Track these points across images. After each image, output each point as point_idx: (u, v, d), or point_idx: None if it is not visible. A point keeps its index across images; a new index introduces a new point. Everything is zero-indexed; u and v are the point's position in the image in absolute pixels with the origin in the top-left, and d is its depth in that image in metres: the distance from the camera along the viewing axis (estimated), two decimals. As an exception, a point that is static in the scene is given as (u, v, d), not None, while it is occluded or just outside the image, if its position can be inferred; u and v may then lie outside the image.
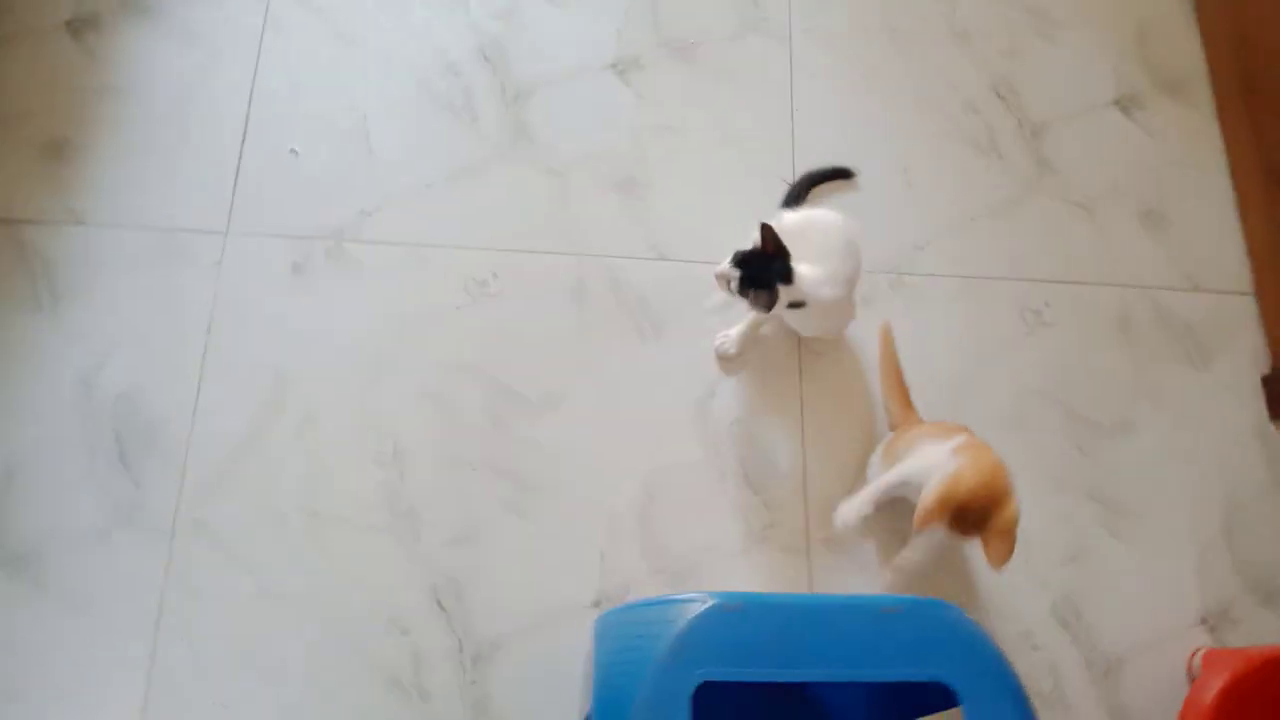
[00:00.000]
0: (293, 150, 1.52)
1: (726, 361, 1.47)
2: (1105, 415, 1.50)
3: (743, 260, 1.30)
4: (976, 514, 1.14)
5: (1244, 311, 1.59)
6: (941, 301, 1.55)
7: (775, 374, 1.48)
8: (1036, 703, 1.27)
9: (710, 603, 0.89)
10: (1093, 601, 1.39)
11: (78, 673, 1.24)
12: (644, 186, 1.57)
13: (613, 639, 0.90)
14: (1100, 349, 1.54)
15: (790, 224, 1.37)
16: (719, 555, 1.37)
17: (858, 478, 1.41)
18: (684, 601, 0.90)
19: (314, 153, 1.52)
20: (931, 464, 1.19)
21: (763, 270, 1.30)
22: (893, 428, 1.40)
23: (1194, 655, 1.36)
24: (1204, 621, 1.40)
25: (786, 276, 1.29)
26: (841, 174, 1.60)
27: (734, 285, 1.31)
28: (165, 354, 1.40)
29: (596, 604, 1.33)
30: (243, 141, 1.52)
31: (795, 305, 1.33)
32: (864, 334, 1.50)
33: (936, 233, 1.59)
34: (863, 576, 1.37)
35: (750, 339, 1.46)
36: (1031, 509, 1.37)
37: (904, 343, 1.47)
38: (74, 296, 1.41)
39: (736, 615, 0.88)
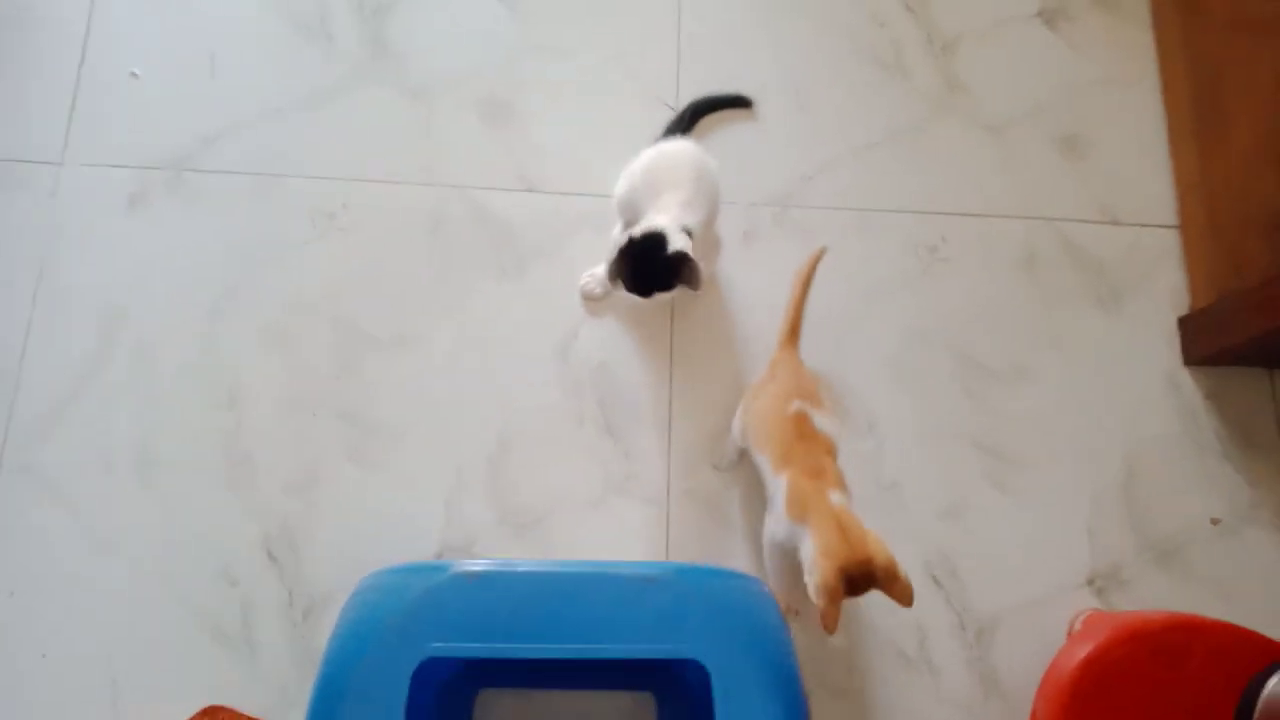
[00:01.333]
0: (133, 74, 1.43)
1: (592, 302, 1.38)
2: (1000, 360, 1.40)
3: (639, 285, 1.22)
4: (860, 580, 1.03)
5: (1164, 247, 1.46)
6: (829, 236, 1.42)
7: (644, 315, 1.39)
8: (900, 665, 1.25)
9: (448, 572, 0.82)
10: (969, 559, 1.31)
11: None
12: (514, 112, 1.47)
13: (352, 608, 0.84)
14: (1000, 289, 1.43)
15: (638, 166, 1.29)
16: (573, 505, 1.30)
17: (723, 424, 1.33)
18: (422, 570, 0.84)
19: (155, 76, 1.44)
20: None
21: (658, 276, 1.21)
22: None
23: (1076, 618, 1.28)
24: (1091, 582, 1.31)
25: (689, 275, 1.20)
26: (737, 103, 1.49)
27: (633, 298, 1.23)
28: (2, 289, 1.33)
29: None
30: (80, 64, 1.43)
31: None
32: (740, 274, 1.40)
33: (829, 162, 1.48)
34: (724, 529, 1.30)
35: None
36: (909, 458, 1.31)
37: (785, 281, 1.38)
38: (-100, 230, 1.35)
39: (475, 585, 0.82)
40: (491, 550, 1.27)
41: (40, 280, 1.34)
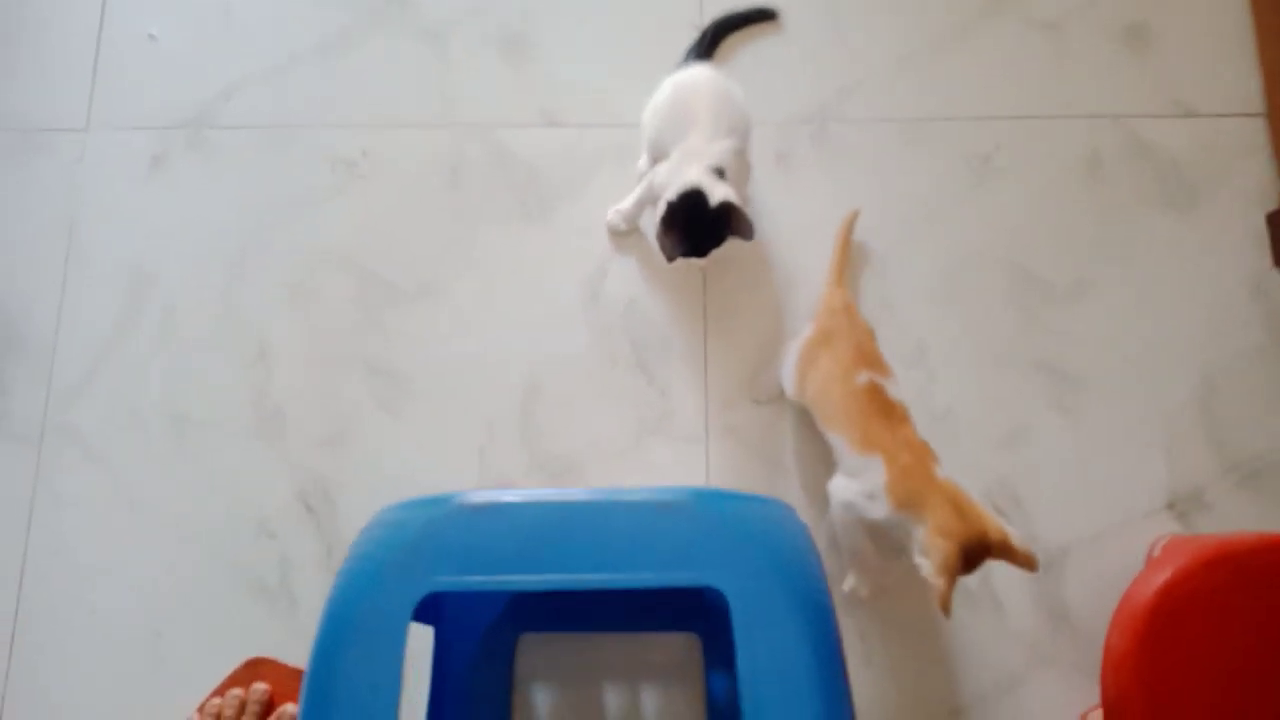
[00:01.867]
0: (150, 35, 1.42)
1: (619, 237, 1.32)
2: (1062, 275, 1.29)
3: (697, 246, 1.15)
4: (977, 557, 0.97)
5: (1246, 137, 1.33)
6: (870, 152, 1.35)
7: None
8: (961, 600, 1.17)
9: (452, 504, 0.79)
10: (1035, 486, 1.22)
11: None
12: (532, 44, 1.41)
13: (357, 545, 0.81)
14: (1061, 197, 1.32)
15: (659, 103, 1.22)
16: (608, 449, 1.26)
17: (762, 357, 1.26)
18: (426, 504, 0.80)
19: (172, 35, 1.43)
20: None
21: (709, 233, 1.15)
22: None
23: (1155, 544, 1.18)
24: (1171, 506, 1.21)
25: (739, 225, 1.14)
26: (761, 16, 1.40)
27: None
28: (28, 258, 1.35)
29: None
30: (99, 30, 1.43)
31: None
32: (775, 198, 1.33)
33: (867, 72, 1.38)
34: (768, 465, 1.24)
35: (642, 212, 1.30)
36: (964, 385, 1.24)
37: (826, 205, 1.31)
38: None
39: (480, 516, 0.78)
40: (526, 496, 1.23)
41: (70, 246, 1.35)
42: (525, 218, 1.34)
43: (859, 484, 1.05)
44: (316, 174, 1.36)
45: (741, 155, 1.19)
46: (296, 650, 1.17)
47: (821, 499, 1.15)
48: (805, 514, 1.18)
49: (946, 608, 0.92)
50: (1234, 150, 1.32)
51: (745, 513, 0.79)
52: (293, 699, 1.16)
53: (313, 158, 1.37)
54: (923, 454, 1.05)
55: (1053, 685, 1.16)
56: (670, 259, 1.15)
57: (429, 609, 1.11)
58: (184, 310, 1.33)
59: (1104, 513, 1.21)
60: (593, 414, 1.27)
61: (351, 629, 0.75)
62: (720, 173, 1.13)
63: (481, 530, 0.78)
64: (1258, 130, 1.32)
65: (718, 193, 1.12)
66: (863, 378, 1.08)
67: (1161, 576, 1.07)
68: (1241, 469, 1.21)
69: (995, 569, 1.15)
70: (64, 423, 1.29)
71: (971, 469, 1.21)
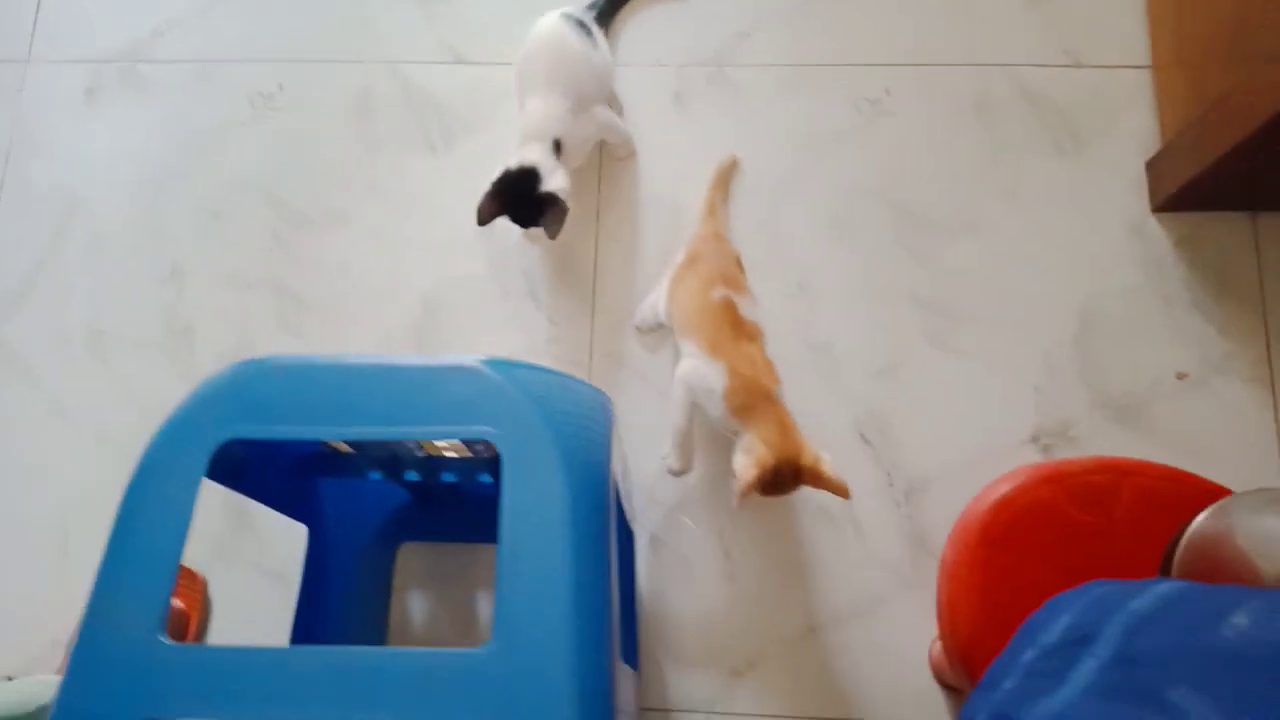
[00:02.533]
0: (90, -27, 1.51)
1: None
2: (946, 214, 1.33)
3: (520, 218, 1.21)
4: (789, 478, 1.05)
5: (1132, 87, 1.35)
6: (765, 95, 1.39)
7: (573, 182, 1.37)
8: (822, 521, 1.21)
9: (257, 363, 0.85)
10: (903, 418, 1.26)
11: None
12: (446, -14, 1.48)
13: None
14: (948, 140, 1.35)
15: (515, 74, 1.29)
16: (496, 370, 1.31)
17: (648, 288, 1.31)
18: (237, 365, 0.86)
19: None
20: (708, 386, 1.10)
21: (529, 202, 1.20)
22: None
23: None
24: (1035, 440, 1.24)
25: (552, 203, 1.19)
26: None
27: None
28: None
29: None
30: (44, -33, 1.52)
31: (559, 154, 1.22)
32: (670, 138, 1.38)
33: (765, 17, 1.43)
34: (645, 390, 1.29)
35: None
36: (844, 318, 1.27)
37: (722, 143, 1.36)
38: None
39: (283, 375, 0.84)
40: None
41: (5, 171, 1.43)
42: (430, 150, 1.40)
43: (703, 380, 1.10)
44: (237, 107, 1.44)
45: (580, 112, 1.23)
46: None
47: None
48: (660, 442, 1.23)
49: (739, 505, 1.01)
50: (1119, 100, 1.34)
51: (533, 379, 0.84)
52: (180, 595, 1.23)
53: (234, 91, 1.44)
54: (765, 371, 1.09)
55: (908, 609, 1.19)
56: (480, 223, 1.19)
57: (305, 508, 1.18)
58: (109, 234, 1.41)
59: (970, 445, 1.24)
60: (484, 336, 1.33)
61: (155, 475, 0.81)
62: (558, 145, 1.19)
63: (284, 388, 0.83)
64: (1142, 81, 1.35)
65: (552, 182, 1.18)
66: (718, 293, 1.12)
67: (998, 491, 1.10)
68: (1109, 406, 1.24)
69: (859, 496, 1.20)
70: (-7, 335, 1.37)
71: (845, 399, 1.26)
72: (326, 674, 0.72)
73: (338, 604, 1.21)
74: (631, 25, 1.43)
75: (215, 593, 1.25)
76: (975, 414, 1.25)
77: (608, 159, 1.38)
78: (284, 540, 1.19)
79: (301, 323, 1.35)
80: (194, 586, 1.23)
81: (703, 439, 1.22)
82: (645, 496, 1.24)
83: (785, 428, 1.05)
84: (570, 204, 1.19)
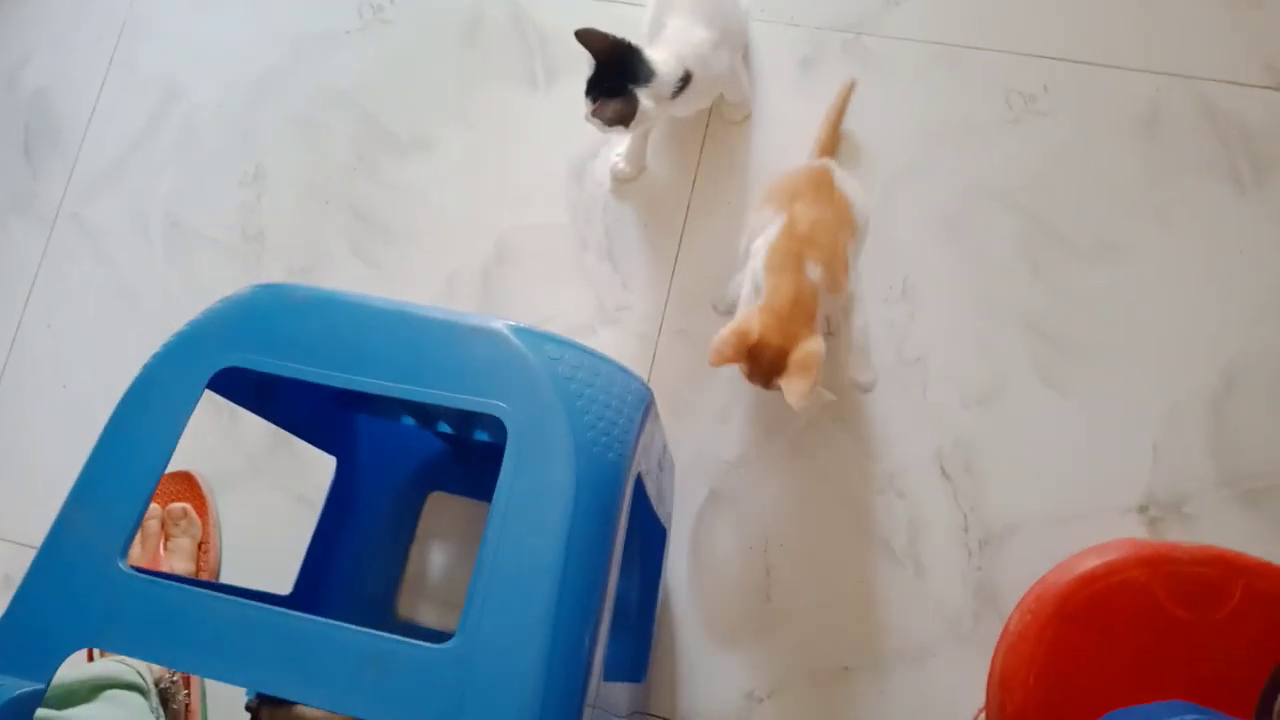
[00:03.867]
0: None
1: (623, 183, 1.28)
2: (1086, 233, 1.17)
3: (593, 83, 1.08)
4: (768, 363, 0.94)
5: (1339, 120, 1.15)
6: (906, 72, 1.25)
7: (674, 140, 1.28)
8: (881, 554, 1.10)
9: (274, 291, 0.79)
10: (993, 455, 1.12)
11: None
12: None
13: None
14: (1105, 151, 1.19)
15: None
16: (560, 327, 1.24)
17: (734, 266, 1.20)
18: (257, 288, 0.81)
19: None
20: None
21: (616, 79, 1.07)
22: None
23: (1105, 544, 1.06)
24: (1143, 509, 1.08)
25: (643, 74, 1.07)
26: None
27: (587, 113, 1.10)
28: (80, 58, 1.45)
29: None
30: None
31: (680, 91, 1.10)
32: (789, 104, 1.26)
33: (914, -15, 1.28)
34: (709, 375, 1.19)
35: (643, 152, 1.26)
36: (944, 332, 1.15)
37: (847, 117, 1.23)
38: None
39: (285, 303, 0.78)
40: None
41: (116, 50, 1.44)
42: (531, 86, 1.33)
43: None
44: (346, 15, 1.39)
45: (720, 50, 1.13)
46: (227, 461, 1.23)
47: (744, 422, 1.10)
48: (720, 434, 1.14)
49: (713, 359, 0.94)
50: (1322, 131, 1.15)
51: (563, 357, 0.75)
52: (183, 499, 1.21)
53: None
54: (819, 251, 0.98)
55: (959, 669, 1.07)
56: (579, 37, 1.07)
57: (336, 440, 1.13)
58: (201, 127, 1.39)
59: (1066, 501, 1.10)
60: (553, 290, 1.25)
61: (152, 388, 0.77)
62: (685, 79, 1.08)
63: (297, 320, 0.78)
64: (1357, 113, 1.15)
65: (644, 83, 1.06)
66: (813, 271, 0.99)
67: (1085, 564, 0.96)
68: (1238, 485, 1.07)
69: (927, 535, 1.08)
70: (77, 212, 1.38)
71: (930, 423, 1.14)
72: (278, 637, 0.66)
73: (356, 541, 1.18)
74: (767, -22, 1.31)
75: (241, 509, 1.22)
76: (1078, 466, 1.10)
77: (717, 120, 1.27)
78: (320, 468, 1.14)
79: (371, 247, 1.30)
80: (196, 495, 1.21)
81: (750, 434, 1.12)
82: (692, 486, 1.14)
83: (799, 303, 0.94)
84: (644, 114, 1.07)
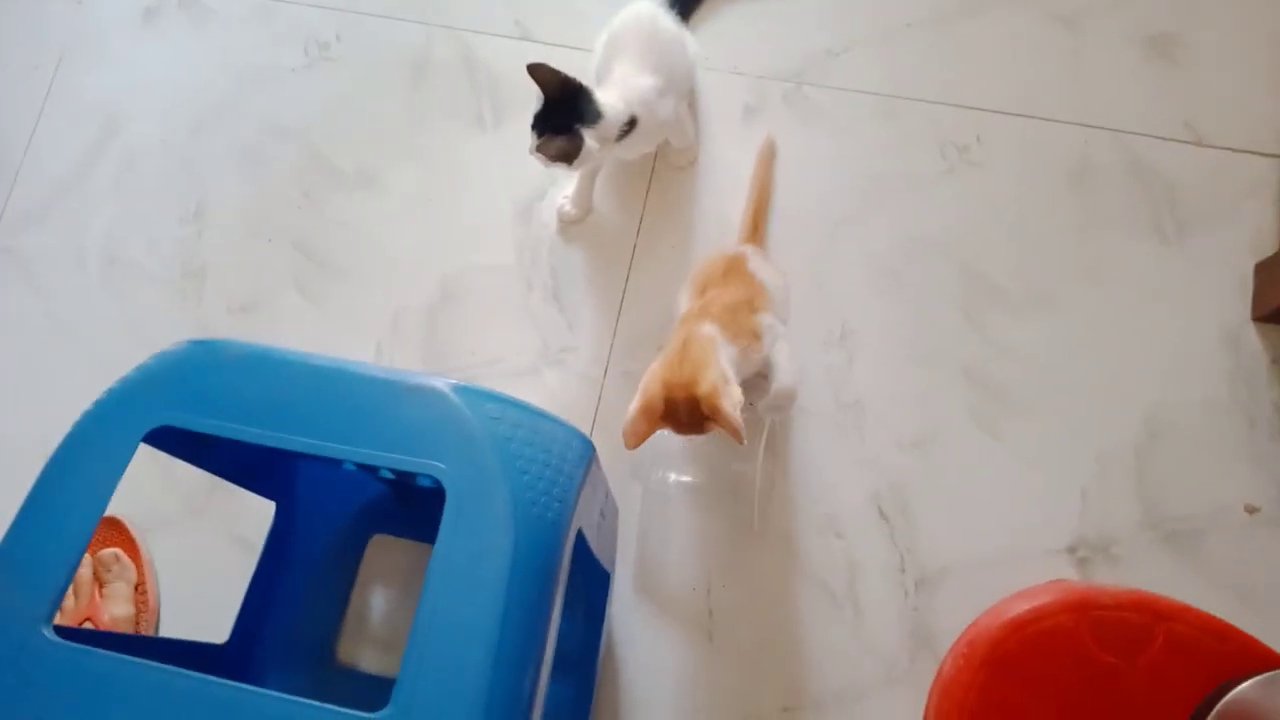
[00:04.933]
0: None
1: (569, 224, 1.29)
2: (1018, 283, 1.21)
3: (539, 118, 1.10)
4: (685, 408, 0.94)
5: (1255, 177, 1.21)
6: (844, 122, 1.29)
7: (620, 184, 1.29)
8: (820, 596, 1.12)
9: (211, 348, 0.78)
10: (928, 498, 1.15)
11: None
12: (521, -43, 1.40)
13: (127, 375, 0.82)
14: (1036, 203, 1.23)
15: (602, 43, 1.20)
16: (505, 368, 1.25)
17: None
18: (192, 344, 0.80)
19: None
20: None
21: (562, 117, 1.09)
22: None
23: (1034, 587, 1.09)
24: (1073, 550, 1.12)
25: (590, 114, 1.09)
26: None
27: (531, 147, 1.11)
28: (14, 83, 1.43)
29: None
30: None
31: (625, 135, 1.13)
32: (731, 151, 1.28)
33: (861, 38, 1.32)
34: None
35: (589, 194, 1.28)
36: (881, 378, 1.18)
37: (785, 165, 1.26)
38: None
39: (235, 364, 0.77)
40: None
41: (54, 80, 1.42)
42: (479, 126, 1.34)
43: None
44: (291, 51, 1.39)
45: (666, 96, 1.16)
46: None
47: (688, 463, 1.11)
48: (664, 476, 1.15)
49: (628, 442, 0.94)
50: (1238, 189, 1.21)
51: (504, 416, 0.76)
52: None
53: (291, 34, 1.41)
54: (709, 313, 1.00)
55: (895, 709, 1.10)
56: (531, 70, 1.09)
57: (274, 485, 1.12)
58: (142, 161, 1.38)
59: (998, 543, 1.13)
60: (499, 331, 1.26)
61: (82, 446, 0.76)
62: (631, 124, 1.11)
63: (234, 377, 0.77)
64: (1269, 171, 1.20)
65: (590, 124, 1.08)
66: (706, 328, 1.00)
67: (1015, 608, 0.99)
68: (1162, 527, 1.11)
69: (865, 576, 1.10)
70: (12, 245, 1.35)
71: (868, 466, 1.16)
72: (210, 709, 0.65)
73: (296, 585, 1.16)
74: (711, 24, 1.34)
75: (178, 552, 1.20)
76: (1010, 509, 1.14)
77: (663, 164, 1.29)
78: (259, 509, 1.13)
79: (315, 284, 1.30)
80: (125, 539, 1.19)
81: (694, 475, 1.13)
82: (636, 528, 1.15)
83: (688, 350, 0.95)
84: (589, 154, 1.09)
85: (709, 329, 0.97)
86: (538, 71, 1.06)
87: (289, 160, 1.35)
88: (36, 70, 1.42)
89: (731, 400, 0.90)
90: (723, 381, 0.91)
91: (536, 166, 1.25)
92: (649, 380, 0.95)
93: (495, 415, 0.75)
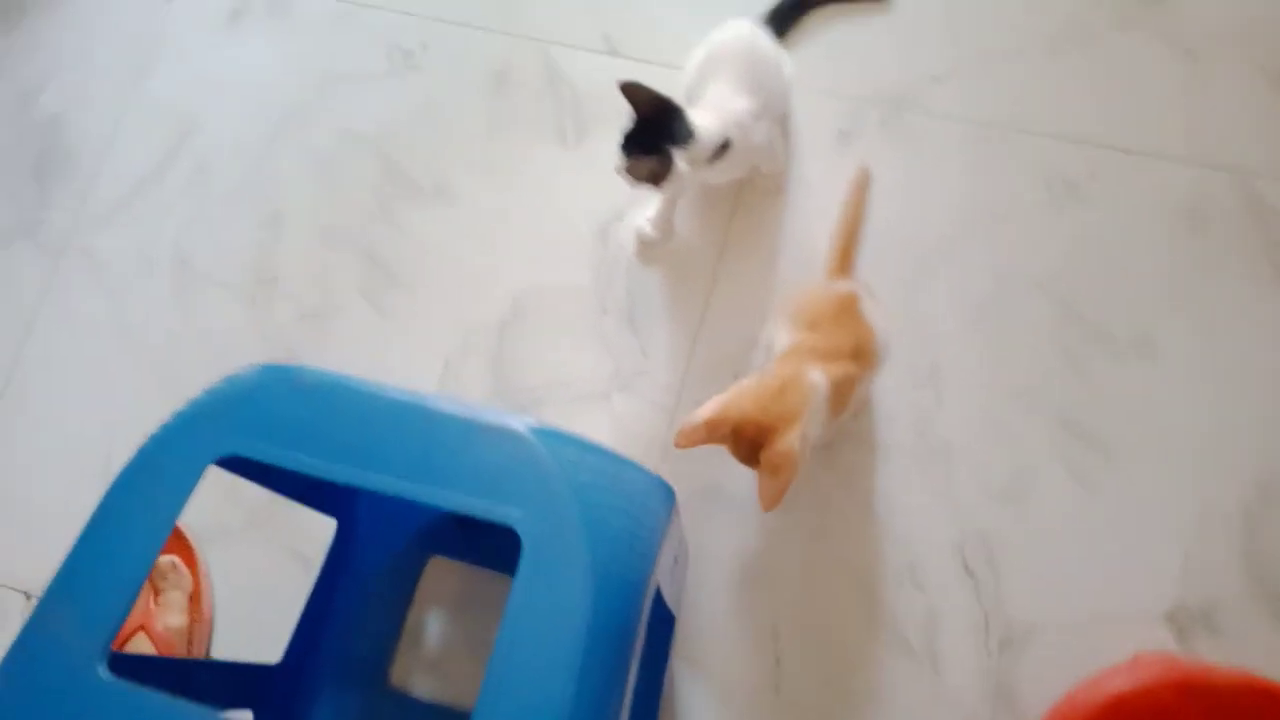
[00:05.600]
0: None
1: (647, 248, 1.26)
2: (1123, 326, 1.15)
3: (629, 138, 1.06)
4: (749, 442, 0.89)
5: (1390, 224, 1.13)
6: (944, 149, 1.25)
7: (702, 207, 1.26)
8: (897, 649, 1.07)
9: (284, 374, 0.76)
10: (1018, 552, 1.10)
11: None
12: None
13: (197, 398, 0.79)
14: (1148, 243, 1.18)
15: (699, 52, 1.17)
16: (574, 392, 1.22)
17: (757, 336, 1.18)
18: (265, 369, 0.77)
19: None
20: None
21: (653, 137, 1.05)
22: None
23: (1136, 659, 1.03)
24: (1171, 618, 1.05)
25: (682, 135, 1.05)
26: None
27: (619, 167, 1.09)
28: (101, 84, 1.44)
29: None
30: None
31: (717, 158, 1.09)
32: (824, 177, 1.24)
33: (967, 63, 1.28)
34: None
35: (670, 219, 1.24)
36: (971, 420, 1.13)
37: (878, 192, 1.20)
38: (39, 12, 1.47)
39: (294, 388, 0.75)
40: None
41: (137, 79, 1.43)
42: (559, 141, 1.31)
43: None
44: (374, 58, 1.39)
45: (761, 120, 1.12)
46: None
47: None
48: (735, 515, 1.11)
49: (679, 441, 0.87)
50: (1370, 233, 1.12)
51: (583, 464, 0.72)
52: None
53: (375, 41, 1.40)
54: (820, 357, 0.95)
55: (973, 774, 1.03)
56: (623, 87, 1.04)
57: (336, 503, 1.10)
58: (218, 164, 1.39)
59: (1090, 602, 1.07)
60: (570, 352, 1.24)
61: (146, 473, 0.74)
62: (724, 147, 1.07)
63: (306, 407, 0.75)
64: None
65: (683, 144, 1.04)
66: (816, 375, 0.96)
67: (1116, 683, 0.93)
68: (1273, 599, 1.03)
69: (946, 631, 1.05)
70: (87, 245, 1.36)
71: (954, 515, 1.11)
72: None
73: (352, 604, 1.15)
74: (806, 44, 1.29)
75: (237, 564, 1.19)
76: (1106, 568, 1.08)
77: (749, 189, 1.25)
78: (320, 526, 1.11)
79: (385, 296, 1.28)
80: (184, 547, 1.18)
81: (765, 516, 1.09)
82: (704, 570, 1.11)
83: (785, 394, 0.89)
84: (678, 176, 1.06)
85: (817, 378, 0.92)
86: (630, 90, 1.03)
87: (366, 169, 1.34)
88: (120, 67, 1.44)
89: (791, 470, 0.85)
90: (798, 445, 0.86)
91: (617, 185, 1.22)
92: (734, 399, 0.90)
93: (575, 461, 0.72)
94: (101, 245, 1.36)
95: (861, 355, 0.99)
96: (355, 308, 1.28)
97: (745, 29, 1.16)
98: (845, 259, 1.14)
